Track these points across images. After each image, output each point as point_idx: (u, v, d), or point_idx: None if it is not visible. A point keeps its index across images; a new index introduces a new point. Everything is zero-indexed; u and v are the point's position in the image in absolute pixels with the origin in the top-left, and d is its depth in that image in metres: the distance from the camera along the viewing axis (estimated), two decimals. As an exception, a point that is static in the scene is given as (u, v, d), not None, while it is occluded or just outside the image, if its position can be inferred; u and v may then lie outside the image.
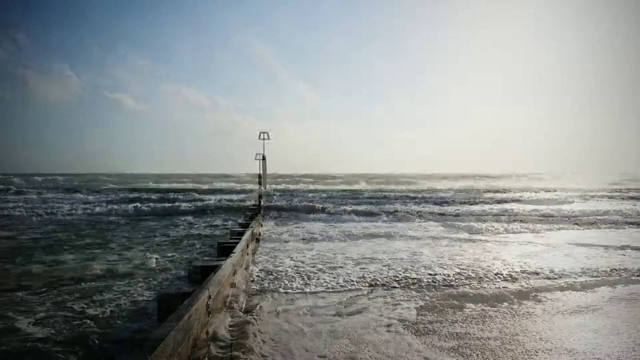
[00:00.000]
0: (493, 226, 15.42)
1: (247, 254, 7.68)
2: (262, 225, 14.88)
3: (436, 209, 21.70)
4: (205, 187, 38.86)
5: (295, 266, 8.34)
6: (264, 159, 28.14)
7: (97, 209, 20.35)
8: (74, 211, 19.56)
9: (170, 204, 22.55)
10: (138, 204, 21.68)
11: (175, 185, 40.12)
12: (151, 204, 22.20)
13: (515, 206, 22.97)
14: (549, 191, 35.43)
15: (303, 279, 7.36)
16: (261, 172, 28.71)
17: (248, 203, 23.36)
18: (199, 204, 23.07)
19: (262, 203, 20.87)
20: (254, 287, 6.88)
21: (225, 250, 6.90)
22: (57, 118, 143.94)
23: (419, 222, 17.11)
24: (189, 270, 5.33)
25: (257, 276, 7.51)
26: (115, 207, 20.82)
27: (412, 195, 28.85)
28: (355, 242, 11.48)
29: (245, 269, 7.52)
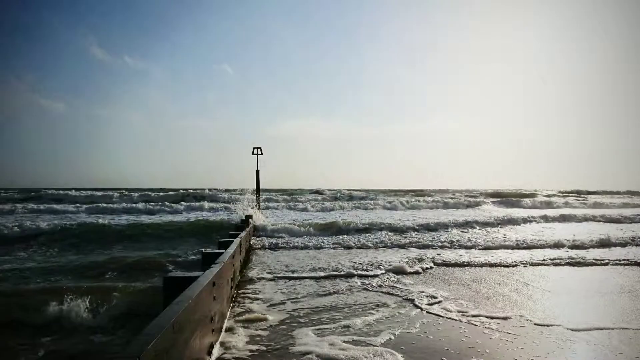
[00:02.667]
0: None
1: (233, 265, 6.86)
2: (252, 237, 14.04)
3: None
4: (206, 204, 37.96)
5: (284, 292, 7.57)
6: (257, 173, 27.59)
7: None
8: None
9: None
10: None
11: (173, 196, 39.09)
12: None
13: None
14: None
15: (289, 297, 6.59)
16: (256, 185, 28.16)
17: (240, 213, 22.60)
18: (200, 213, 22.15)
19: (254, 216, 20.10)
20: (239, 300, 6.11)
21: (208, 260, 6.10)
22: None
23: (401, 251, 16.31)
24: (164, 283, 4.54)
25: (242, 292, 6.75)
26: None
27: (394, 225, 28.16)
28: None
29: (231, 279, 6.70)
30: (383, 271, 8.70)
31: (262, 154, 26.95)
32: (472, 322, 5.33)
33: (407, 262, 9.63)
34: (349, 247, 12.74)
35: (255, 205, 25.09)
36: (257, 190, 28.47)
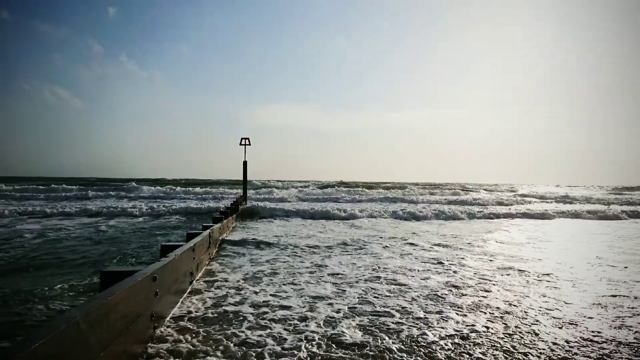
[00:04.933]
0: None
1: (194, 258, 6.65)
2: (230, 229, 13.79)
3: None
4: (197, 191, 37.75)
5: (250, 296, 7.33)
6: (245, 164, 27.33)
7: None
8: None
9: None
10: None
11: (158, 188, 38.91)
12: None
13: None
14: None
15: (254, 308, 5.59)
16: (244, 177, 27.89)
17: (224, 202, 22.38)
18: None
19: (240, 206, 19.89)
20: (187, 304, 5.86)
21: (166, 253, 5.90)
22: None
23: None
24: (101, 277, 4.33)
25: (195, 297, 6.51)
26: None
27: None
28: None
29: (190, 274, 6.50)
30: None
31: (249, 144, 26.66)
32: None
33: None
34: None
35: (242, 201, 24.71)
36: (245, 183, 28.25)
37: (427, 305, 5.56)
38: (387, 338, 4.31)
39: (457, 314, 5.19)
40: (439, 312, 5.23)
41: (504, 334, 4.49)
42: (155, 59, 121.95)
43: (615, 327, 4.78)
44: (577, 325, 4.83)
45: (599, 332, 4.59)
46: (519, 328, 4.68)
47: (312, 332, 4.45)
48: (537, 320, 4.97)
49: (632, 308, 5.59)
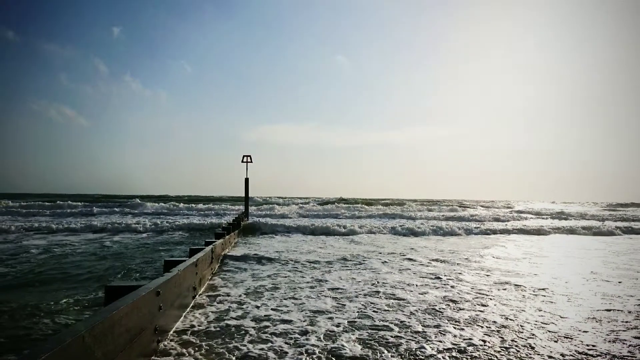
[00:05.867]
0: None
1: (196, 273, 6.65)
2: (232, 245, 13.77)
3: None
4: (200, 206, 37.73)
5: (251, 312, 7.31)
6: (246, 181, 27.39)
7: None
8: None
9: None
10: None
11: (162, 205, 38.89)
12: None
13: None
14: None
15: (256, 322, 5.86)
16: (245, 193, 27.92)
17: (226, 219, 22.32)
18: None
19: (242, 222, 19.91)
20: (189, 318, 5.85)
21: (169, 268, 5.90)
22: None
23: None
24: (106, 292, 4.33)
25: (198, 309, 6.49)
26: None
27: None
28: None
29: (193, 288, 6.49)
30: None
31: (251, 161, 26.74)
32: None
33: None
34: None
35: (244, 217, 24.70)
36: (246, 199, 28.26)
37: (425, 319, 5.55)
38: (386, 352, 4.30)
39: (455, 327, 5.18)
40: (437, 326, 5.22)
41: (500, 347, 4.48)
42: (159, 78, 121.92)
43: (609, 341, 4.77)
44: (572, 339, 4.82)
45: (593, 346, 4.57)
46: (515, 342, 4.67)
47: (313, 345, 4.45)
48: (533, 334, 4.95)
49: (626, 322, 5.58)
